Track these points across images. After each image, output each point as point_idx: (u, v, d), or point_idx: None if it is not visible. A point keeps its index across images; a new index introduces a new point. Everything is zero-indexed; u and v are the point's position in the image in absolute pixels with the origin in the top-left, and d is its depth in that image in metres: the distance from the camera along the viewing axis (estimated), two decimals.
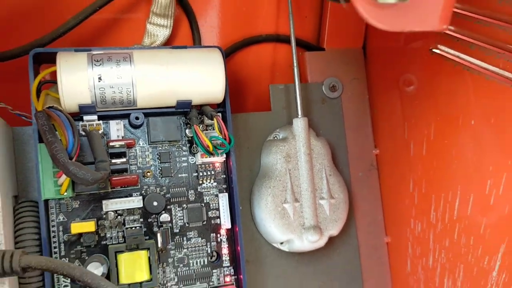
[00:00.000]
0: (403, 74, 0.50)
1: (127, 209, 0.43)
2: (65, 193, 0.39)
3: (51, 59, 0.41)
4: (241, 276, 0.44)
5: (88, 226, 0.40)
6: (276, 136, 0.50)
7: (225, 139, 0.43)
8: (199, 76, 0.42)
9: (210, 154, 0.44)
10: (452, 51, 0.42)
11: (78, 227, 0.40)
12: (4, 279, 0.36)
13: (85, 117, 0.41)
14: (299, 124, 0.48)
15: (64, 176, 0.38)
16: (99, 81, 0.39)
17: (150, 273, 0.41)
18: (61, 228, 0.41)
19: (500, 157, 0.38)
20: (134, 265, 0.41)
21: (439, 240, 0.45)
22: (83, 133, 0.41)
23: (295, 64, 0.49)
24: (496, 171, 0.38)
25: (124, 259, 0.41)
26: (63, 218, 0.41)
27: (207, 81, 0.43)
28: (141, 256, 0.41)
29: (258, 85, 0.56)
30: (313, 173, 0.48)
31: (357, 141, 0.54)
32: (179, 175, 0.45)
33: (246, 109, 0.55)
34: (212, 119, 0.43)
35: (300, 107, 0.48)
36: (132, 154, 0.43)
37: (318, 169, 0.49)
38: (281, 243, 0.48)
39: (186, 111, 0.44)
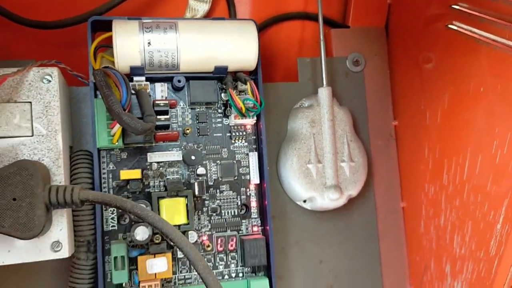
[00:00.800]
0: (423, 51, 0.53)
1: (168, 162, 0.47)
2: (116, 143, 0.44)
3: (104, 27, 0.46)
4: (267, 227, 0.48)
5: (135, 173, 0.45)
6: (302, 105, 0.54)
7: (256, 101, 0.47)
8: (235, 45, 0.47)
9: (243, 115, 0.48)
10: (465, 26, 0.46)
11: (126, 174, 0.45)
12: (63, 212, 0.41)
13: (135, 78, 0.45)
14: (324, 92, 0.52)
15: (116, 127, 0.43)
16: (148, 46, 0.44)
17: (187, 218, 0.46)
18: (110, 176, 0.46)
19: (506, 119, 0.41)
20: (173, 210, 0.45)
21: (450, 201, 0.49)
22: (133, 92, 0.45)
23: (321, 39, 0.52)
24: (501, 132, 0.41)
25: (165, 204, 0.45)
26: (113, 167, 0.46)
27: (242, 49, 0.47)
28: (180, 202, 0.45)
29: (287, 58, 0.59)
30: (335, 138, 0.52)
31: (377, 112, 0.57)
32: (214, 135, 0.49)
33: (275, 79, 0.59)
34: (245, 84, 0.48)
35: (325, 78, 0.52)
36: (174, 113, 0.48)
37: (340, 135, 0.52)
38: (304, 201, 0.52)
39: (222, 77, 0.48)
